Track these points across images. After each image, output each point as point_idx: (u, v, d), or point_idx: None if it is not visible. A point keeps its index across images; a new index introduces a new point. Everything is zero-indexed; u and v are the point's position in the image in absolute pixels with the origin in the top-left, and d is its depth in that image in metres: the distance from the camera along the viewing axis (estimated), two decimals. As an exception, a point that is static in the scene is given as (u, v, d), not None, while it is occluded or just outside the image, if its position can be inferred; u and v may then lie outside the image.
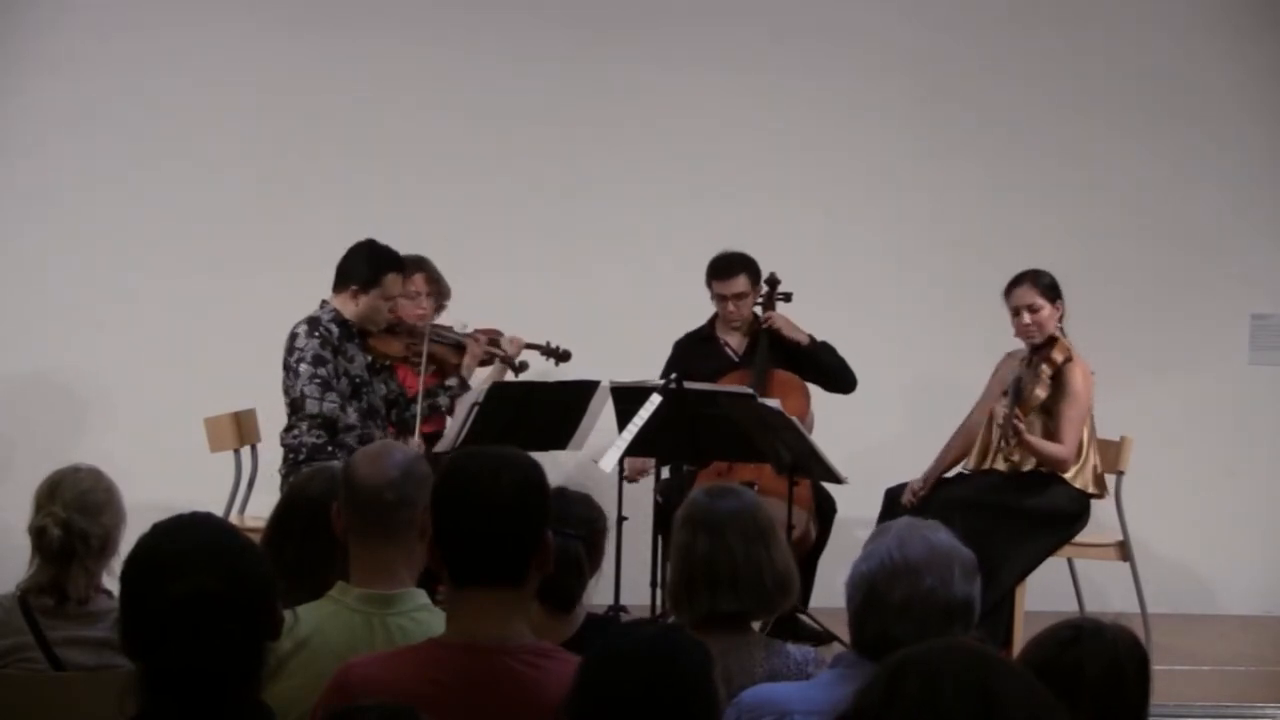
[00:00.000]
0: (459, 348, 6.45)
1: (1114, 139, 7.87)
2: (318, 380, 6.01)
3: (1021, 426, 5.96)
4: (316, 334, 6.06)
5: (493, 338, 6.51)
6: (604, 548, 3.81)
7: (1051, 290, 6.17)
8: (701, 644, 2.52)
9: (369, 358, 6.23)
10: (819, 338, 6.74)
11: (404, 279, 6.30)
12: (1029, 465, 6.12)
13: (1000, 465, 6.17)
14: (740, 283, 6.71)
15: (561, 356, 6.64)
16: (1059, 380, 6.08)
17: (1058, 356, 6.06)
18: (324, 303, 6.19)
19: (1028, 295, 6.15)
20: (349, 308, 6.14)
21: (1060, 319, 6.18)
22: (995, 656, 1.94)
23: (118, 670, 3.24)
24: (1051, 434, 6.10)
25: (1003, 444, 6.02)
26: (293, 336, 6.10)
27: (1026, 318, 6.15)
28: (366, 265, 6.13)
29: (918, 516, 3.06)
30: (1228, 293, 7.89)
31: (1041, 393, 6.05)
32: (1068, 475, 6.11)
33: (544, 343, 6.63)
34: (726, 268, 6.72)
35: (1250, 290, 7.91)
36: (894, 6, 7.85)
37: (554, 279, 7.64)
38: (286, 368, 6.08)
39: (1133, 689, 2.64)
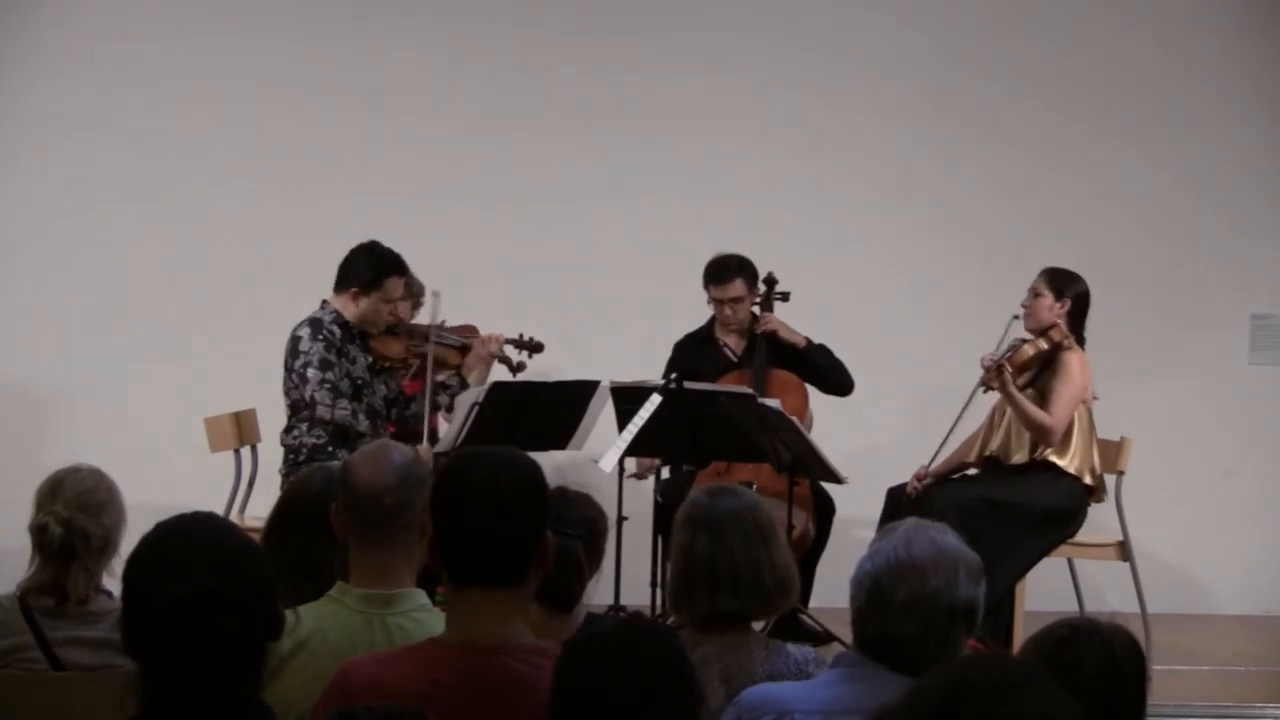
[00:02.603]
0: (461, 349, 6.42)
1: (1113, 142, 7.87)
2: (327, 385, 5.99)
3: (1007, 373, 6.03)
4: (320, 337, 6.04)
5: (471, 334, 6.47)
6: (604, 548, 3.80)
7: (1058, 288, 6.27)
8: (668, 629, 2.52)
9: (369, 359, 6.22)
10: (818, 339, 6.74)
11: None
12: (1019, 456, 6.16)
13: (994, 445, 6.22)
14: (736, 287, 6.70)
15: (535, 348, 6.49)
16: (1054, 361, 6.16)
17: (1055, 335, 6.18)
18: (324, 303, 6.18)
19: (1037, 282, 6.32)
20: (349, 309, 6.13)
21: (1063, 314, 6.22)
22: (1058, 699, 1.87)
23: (118, 670, 3.24)
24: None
25: (982, 388, 6.10)
26: (295, 339, 6.08)
27: (1028, 298, 6.31)
28: (368, 268, 6.11)
29: (915, 515, 3.06)
30: (1228, 293, 7.89)
31: (1031, 350, 6.16)
32: (1063, 461, 6.13)
33: (517, 335, 6.53)
34: (722, 272, 6.70)
35: (1250, 290, 7.91)
36: (895, 13, 7.85)
37: (554, 280, 7.64)
38: (289, 370, 6.07)
39: (1130, 687, 2.65)
